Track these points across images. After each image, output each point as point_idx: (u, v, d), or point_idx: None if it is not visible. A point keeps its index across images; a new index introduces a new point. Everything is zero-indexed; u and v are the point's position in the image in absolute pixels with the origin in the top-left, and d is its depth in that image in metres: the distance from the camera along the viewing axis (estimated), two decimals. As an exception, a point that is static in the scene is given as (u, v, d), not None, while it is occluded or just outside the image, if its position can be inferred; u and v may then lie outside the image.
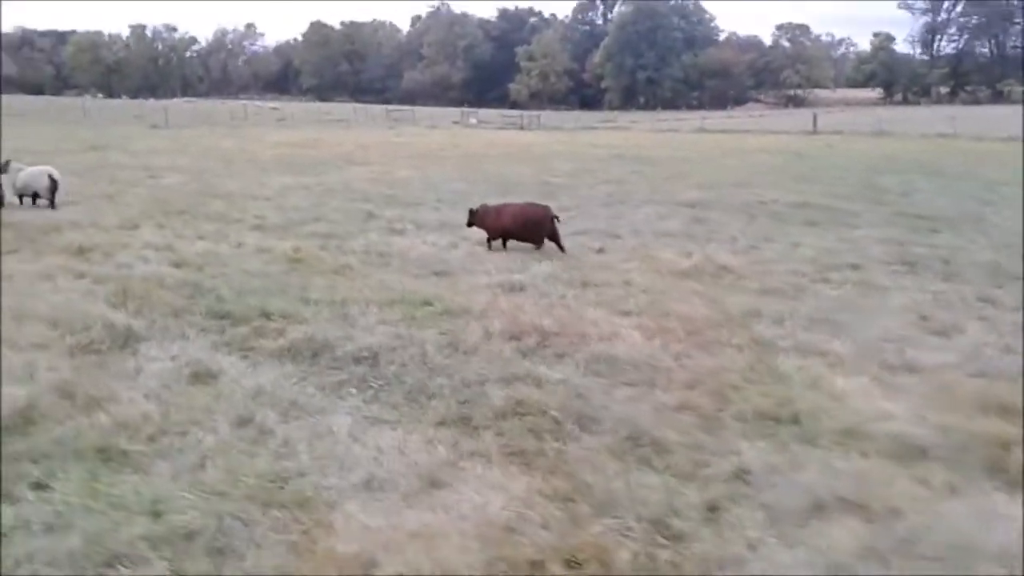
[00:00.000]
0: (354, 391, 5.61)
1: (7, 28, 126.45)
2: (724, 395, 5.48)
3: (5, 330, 6.71)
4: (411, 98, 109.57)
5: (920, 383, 5.78)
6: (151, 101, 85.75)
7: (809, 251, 10.97)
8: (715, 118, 72.59)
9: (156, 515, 3.93)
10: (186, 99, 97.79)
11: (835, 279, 9.29)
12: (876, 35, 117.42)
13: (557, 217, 11.13)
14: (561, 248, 10.84)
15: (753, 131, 54.17)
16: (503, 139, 43.88)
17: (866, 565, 3.49)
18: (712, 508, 3.95)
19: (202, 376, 5.82)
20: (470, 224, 11.45)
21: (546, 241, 10.94)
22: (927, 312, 7.75)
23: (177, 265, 9.46)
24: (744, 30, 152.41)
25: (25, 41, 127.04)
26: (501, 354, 6.47)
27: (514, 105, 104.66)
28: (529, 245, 11.02)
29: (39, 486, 4.19)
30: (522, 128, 60.72)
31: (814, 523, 3.81)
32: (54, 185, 13.68)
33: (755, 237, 12.11)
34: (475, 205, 11.62)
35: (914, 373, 6.01)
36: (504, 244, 11.23)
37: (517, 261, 10.27)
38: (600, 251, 10.96)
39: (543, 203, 11.65)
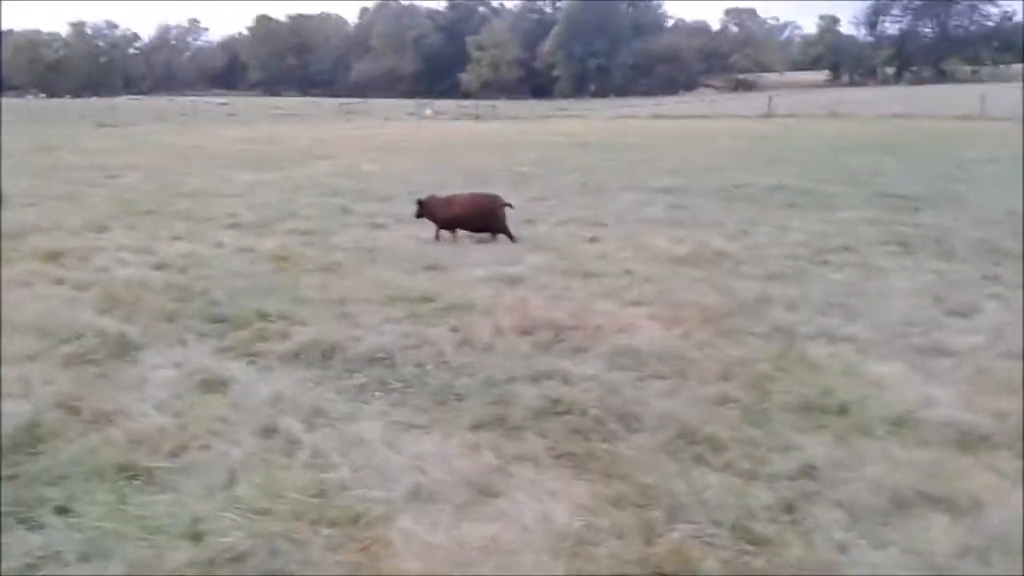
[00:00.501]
0: (379, 394, 5.34)
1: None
2: (761, 386, 5.31)
3: (-11, 342, 6.33)
4: (360, 90, 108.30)
5: (956, 367, 5.66)
6: (95, 100, 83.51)
7: (799, 235, 10.89)
8: (668, 103, 72.97)
9: (197, 537, 3.64)
10: (130, 97, 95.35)
11: (834, 262, 9.20)
12: (822, 18, 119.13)
13: (509, 204, 10.98)
14: (510, 237, 10.72)
15: (708, 116, 54.52)
16: (461, 129, 43.55)
17: (967, 563, 3.34)
18: (788, 509, 3.77)
19: (213, 384, 5.49)
20: (419, 215, 11.23)
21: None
22: (938, 292, 7.68)
23: (159, 267, 9.05)
24: (691, 16, 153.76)
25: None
26: (518, 350, 6.24)
27: (465, 95, 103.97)
28: (498, 238, 10.85)
29: (63, 510, 3.86)
30: (478, 118, 60.35)
31: (899, 520, 3.65)
32: None
33: (741, 221, 12.01)
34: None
35: (947, 356, 5.88)
36: (453, 234, 11.05)
37: (507, 253, 10.03)
38: (593, 240, 10.77)
39: (493, 192, 11.51)
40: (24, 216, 12.38)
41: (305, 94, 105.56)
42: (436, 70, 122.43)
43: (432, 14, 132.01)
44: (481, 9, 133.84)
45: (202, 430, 4.74)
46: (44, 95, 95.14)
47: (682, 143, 30.11)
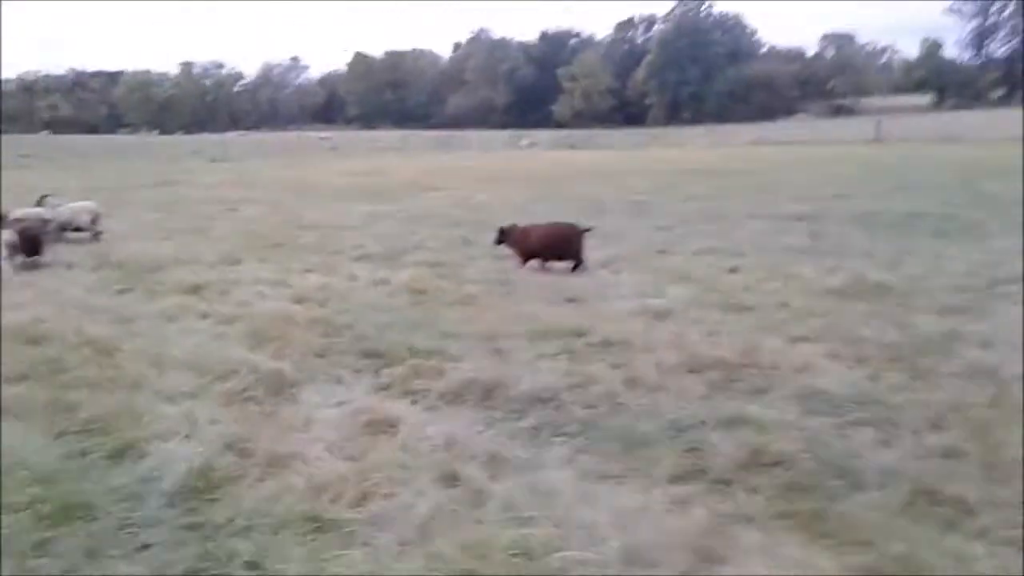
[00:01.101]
0: (558, 440, 4.98)
1: (60, 71, 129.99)
2: (987, 436, 4.74)
3: (147, 377, 6.24)
4: (455, 123, 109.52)
5: None
6: (204, 135, 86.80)
7: (960, 265, 10.16)
8: (766, 130, 71.43)
9: (404, 603, 3.33)
10: (238, 132, 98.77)
11: (1013, 294, 8.48)
12: (924, 40, 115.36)
13: (588, 229, 10.79)
14: (579, 263, 10.57)
15: (811, 142, 53.14)
16: (560, 159, 43.40)
17: None
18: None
19: (380, 425, 5.22)
20: (499, 242, 11.25)
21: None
22: None
23: (298, 301, 8.93)
24: (785, 42, 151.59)
25: (78, 83, 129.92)
26: (692, 390, 5.81)
27: (558, 125, 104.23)
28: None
29: (254, 566, 3.61)
30: (572, 147, 60.19)
31: None
32: (96, 219, 14.07)
33: (891, 251, 11.33)
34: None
35: None
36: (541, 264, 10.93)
37: (647, 284, 9.62)
38: (734, 271, 10.26)
39: (571, 222, 11.25)
40: (161, 249, 12.58)
41: (401, 127, 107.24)
42: (528, 101, 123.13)
43: (524, 47, 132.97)
44: (572, 40, 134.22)
45: (382, 477, 4.45)
46: (156, 131, 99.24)
47: (792, 169, 29.27)
